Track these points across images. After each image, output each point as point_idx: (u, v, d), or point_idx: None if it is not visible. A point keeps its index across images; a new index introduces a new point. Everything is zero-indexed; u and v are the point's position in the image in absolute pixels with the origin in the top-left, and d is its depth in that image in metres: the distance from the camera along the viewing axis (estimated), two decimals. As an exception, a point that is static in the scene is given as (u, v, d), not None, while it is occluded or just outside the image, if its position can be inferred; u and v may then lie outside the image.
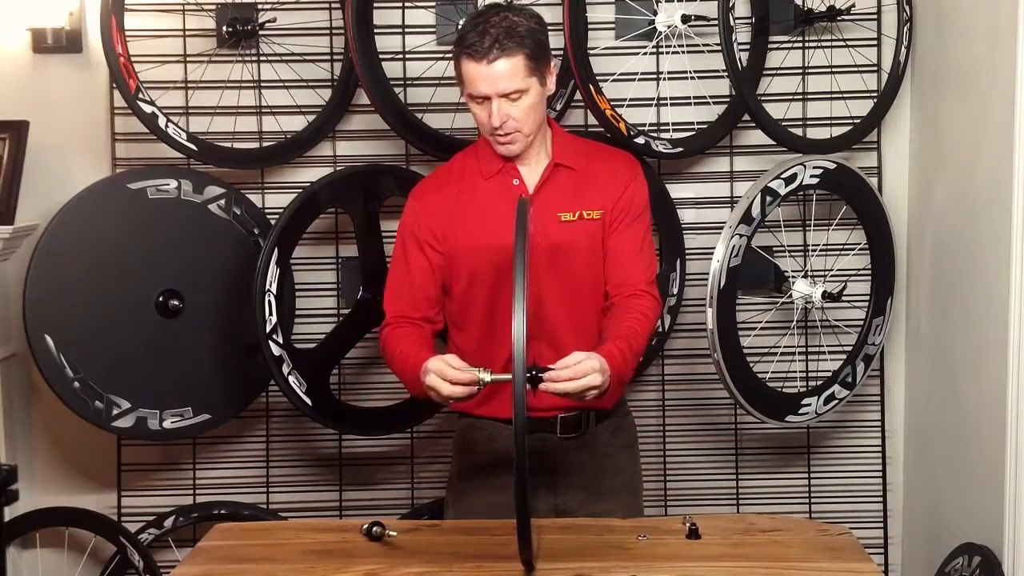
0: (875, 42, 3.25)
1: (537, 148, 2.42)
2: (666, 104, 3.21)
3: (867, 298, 3.18)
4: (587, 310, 2.43)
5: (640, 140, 3.04)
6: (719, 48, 2.88)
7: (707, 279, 2.91)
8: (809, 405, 3.12)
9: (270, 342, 2.88)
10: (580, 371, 2.11)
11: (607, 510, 2.44)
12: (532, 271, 2.36)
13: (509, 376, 1.89)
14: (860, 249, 3.20)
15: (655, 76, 3.21)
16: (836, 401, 3.16)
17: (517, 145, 2.37)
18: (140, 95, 2.93)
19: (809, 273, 3.18)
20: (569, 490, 2.48)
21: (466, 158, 2.51)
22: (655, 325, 2.43)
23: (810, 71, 3.25)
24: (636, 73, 3.18)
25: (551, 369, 2.10)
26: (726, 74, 2.98)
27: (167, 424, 3.00)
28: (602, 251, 2.43)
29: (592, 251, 2.42)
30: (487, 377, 2.12)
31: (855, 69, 3.24)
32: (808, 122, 3.25)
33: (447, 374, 2.14)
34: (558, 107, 3.08)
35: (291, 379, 2.91)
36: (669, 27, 3.09)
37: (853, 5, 3.18)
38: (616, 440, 2.54)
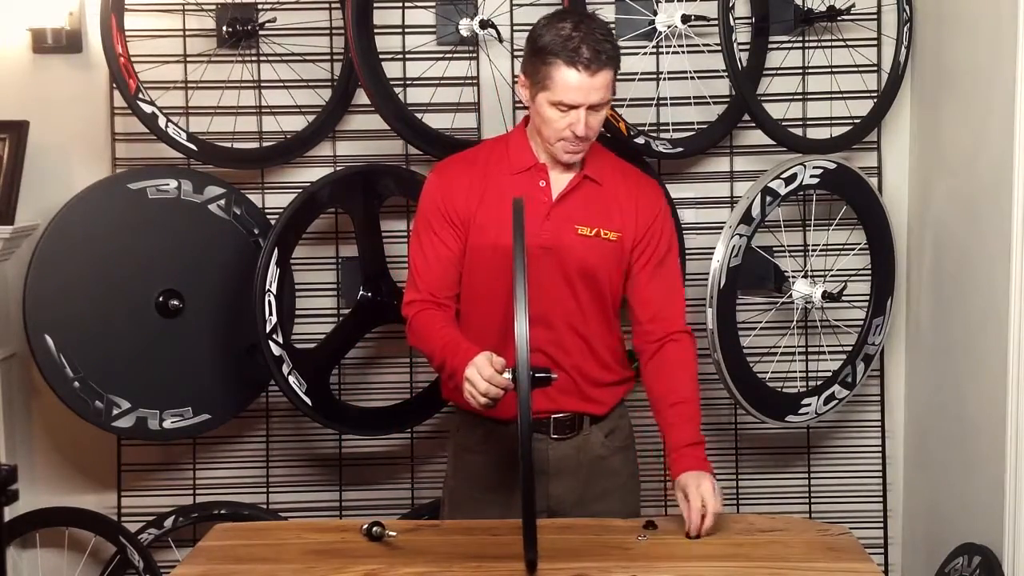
0: (875, 42, 3.25)
1: None
2: (666, 104, 3.21)
3: (867, 298, 3.18)
4: (592, 323, 2.43)
5: (640, 140, 3.04)
6: (719, 48, 2.88)
7: (707, 279, 2.91)
8: (809, 405, 3.12)
9: (270, 342, 2.88)
10: (713, 509, 2.21)
11: (601, 512, 2.43)
12: (541, 277, 2.36)
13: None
14: (860, 249, 3.20)
15: (655, 76, 3.22)
16: (836, 401, 3.16)
17: (582, 154, 2.38)
18: (140, 95, 2.94)
19: (809, 273, 3.18)
20: (563, 492, 2.47)
21: (495, 147, 2.50)
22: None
23: (810, 71, 3.25)
24: (636, 73, 3.18)
25: (547, 371, 2.09)
26: (726, 74, 2.99)
27: (167, 424, 3.00)
28: (614, 273, 2.43)
29: (603, 269, 2.41)
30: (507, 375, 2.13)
31: (855, 69, 3.24)
32: (808, 122, 3.25)
33: (484, 372, 2.14)
34: (558, 107, 3.09)
35: (291, 379, 2.91)
36: (669, 27, 3.09)
37: (853, 5, 3.18)
38: (611, 442, 2.53)
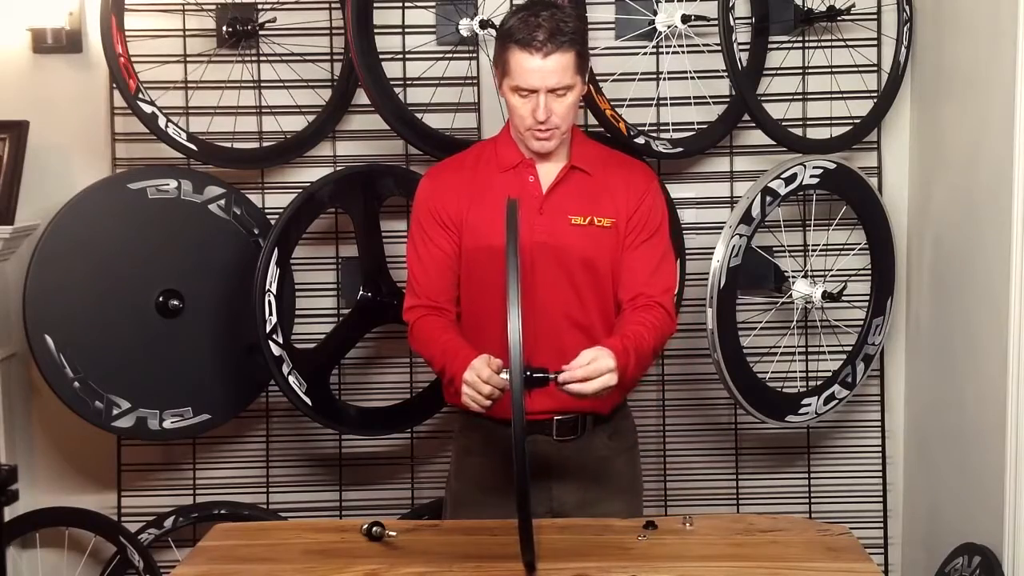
0: (875, 42, 3.25)
1: (559, 148, 2.41)
2: (666, 104, 3.21)
3: (867, 298, 3.18)
4: (592, 316, 2.42)
5: (640, 140, 3.05)
6: (719, 48, 2.88)
7: (707, 279, 2.91)
8: (809, 405, 3.12)
9: (270, 342, 2.88)
10: (594, 371, 2.13)
11: (604, 513, 2.41)
12: (540, 272, 2.36)
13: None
14: (860, 249, 3.20)
15: (655, 76, 3.22)
16: (836, 401, 3.16)
17: (553, 142, 2.36)
18: (140, 95, 2.94)
19: (809, 273, 3.18)
20: (565, 493, 2.46)
21: (484, 148, 2.51)
22: (664, 340, 2.40)
23: (810, 71, 3.25)
24: (636, 73, 3.18)
25: (545, 370, 2.10)
26: (726, 74, 2.99)
27: (167, 424, 3.00)
28: (612, 260, 2.41)
29: (600, 258, 2.40)
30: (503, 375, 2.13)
31: (855, 69, 3.24)
32: (808, 122, 3.25)
33: (482, 374, 2.16)
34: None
35: (291, 379, 2.91)
36: (669, 27, 3.09)
37: (853, 5, 3.18)
38: (614, 443, 2.52)
